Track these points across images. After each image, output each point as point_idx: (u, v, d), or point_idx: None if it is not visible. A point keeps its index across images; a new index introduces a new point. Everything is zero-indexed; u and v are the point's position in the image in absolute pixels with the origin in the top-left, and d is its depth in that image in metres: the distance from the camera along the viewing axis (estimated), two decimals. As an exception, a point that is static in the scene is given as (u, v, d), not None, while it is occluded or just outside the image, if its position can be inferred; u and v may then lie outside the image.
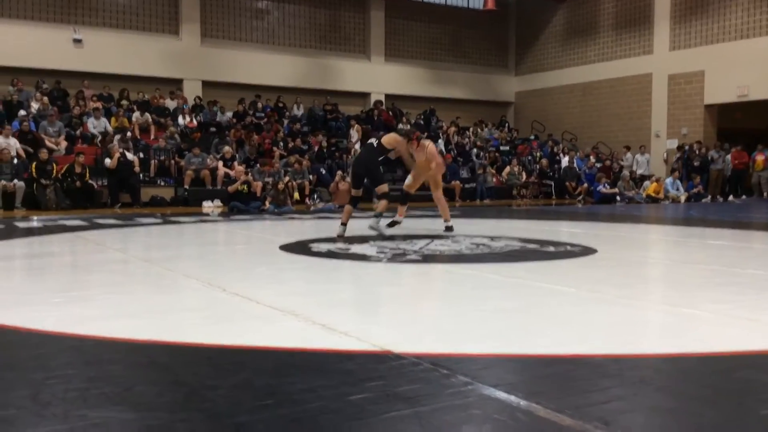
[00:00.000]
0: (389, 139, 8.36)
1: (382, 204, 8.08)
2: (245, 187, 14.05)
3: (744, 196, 19.65)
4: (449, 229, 8.60)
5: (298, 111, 21.30)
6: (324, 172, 17.17)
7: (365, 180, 8.38)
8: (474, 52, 26.14)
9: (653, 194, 18.71)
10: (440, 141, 20.64)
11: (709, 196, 19.40)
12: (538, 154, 21.97)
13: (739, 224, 10.81)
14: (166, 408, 2.24)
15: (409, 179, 9.11)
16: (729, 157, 20.22)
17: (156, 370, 2.70)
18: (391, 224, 8.74)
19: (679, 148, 20.82)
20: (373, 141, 8.46)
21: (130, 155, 15.17)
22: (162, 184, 15.90)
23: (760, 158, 19.77)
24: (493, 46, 26.71)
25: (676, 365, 2.77)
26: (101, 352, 2.99)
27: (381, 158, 8.49)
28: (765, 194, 19.62)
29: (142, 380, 2.56)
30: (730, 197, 19.48)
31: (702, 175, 19.83)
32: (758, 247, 7.61)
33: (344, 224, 8.13)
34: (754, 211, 14.52)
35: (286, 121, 20.16)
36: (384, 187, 8.16)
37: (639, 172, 20.87)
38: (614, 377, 2.56)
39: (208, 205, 14.94)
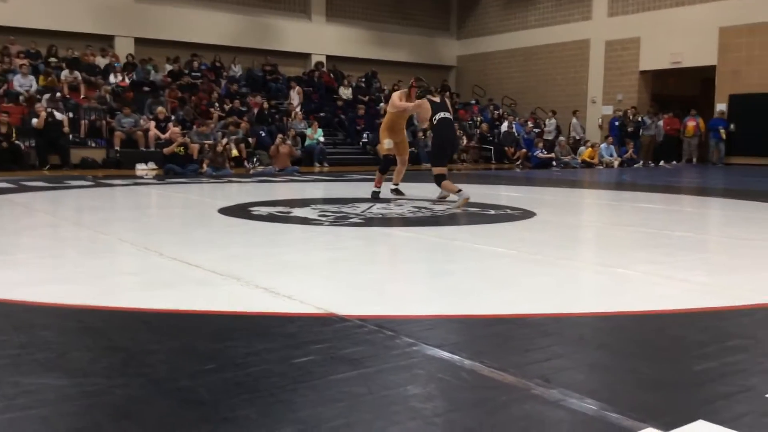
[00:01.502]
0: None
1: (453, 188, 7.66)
2: (182, 149, 13.70)
3: (674, 162, 20.29)
4: (397, 191, 8.50)
5: (236, 71, 20.79)
6: (264, 134, 16.89)
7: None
8: (417, 15, 25.96)
9: (588, 159, 19.13)
10: (381, 105, 20.53)
11: (641, 162, 19.96)
12: (479, 118, 22.13)
13: (669, 189, 11.18)
14: (103, 373, 2.17)
15: (389, 144, 8.30)
16: (661, 123, 20.80)
17: (90, 336, 2.61)
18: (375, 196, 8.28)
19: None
20: (449, 116, 7.83)
21: (59, 115, 14.56)
22: (93, 145, 15.34)
23: (690, 124, 20.42)
24: (435, 9, 26.58)
25: (613, 323, 2.85)
26: (32, 317, 2.87)
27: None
28: (694, 160, 20.32)
29: (76, 346, 2.47)
30: (661, 162, 20.09)
31: (635, 140, 20.36)
32: (687, 210, 7.89)
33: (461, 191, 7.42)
34: (683, 176, 15.03)
35: (223, 82, 19.67)
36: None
37: (572, 135, 21.25)
38: (554, 336, 2.61)
39: (141, 168, 14.52)
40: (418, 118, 8.28)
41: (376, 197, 8.11)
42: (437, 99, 7.92)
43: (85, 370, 2.20)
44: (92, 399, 1.96)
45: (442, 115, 7.70)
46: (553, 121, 21.66)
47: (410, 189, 8.99)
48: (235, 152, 14.99)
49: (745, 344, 2.49)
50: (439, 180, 7.63)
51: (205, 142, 14.59)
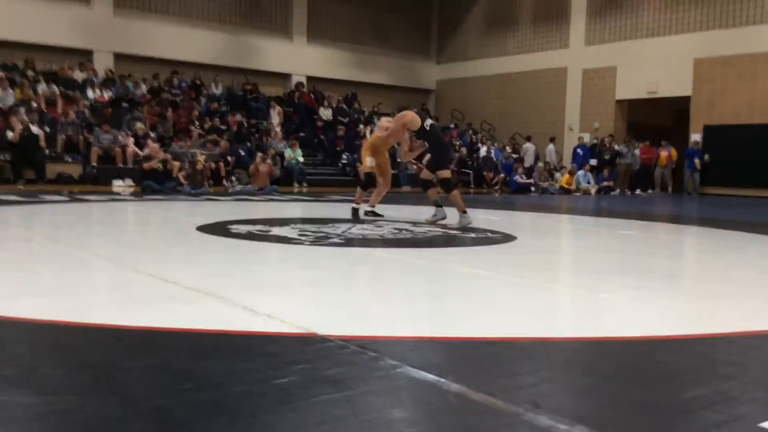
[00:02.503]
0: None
1: (433, 193, 7.79)
2: (161, 165, 13.54)
3: (650, 191, 20.52)
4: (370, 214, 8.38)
5: (217, 90, 20.71)
6: (243, 153, 16.79)
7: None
8: (397, 38, 26.13)
9: (566, 185, 19.28)
10: (361, 126, 20.58)
11: (618, 190, 20.16)
12: (458, 143, 22.24)
13: (646, 216, 11.26)
14: (74, 391, 2.07)
15: (371, 163, 8.38)
16: (638, 151, 21.05)
17: (62, 352, 2.50)
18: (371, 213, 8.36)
19: (593, 146, 21.43)
20: (432, 120, 7.95)
21: (35, 129, 14.34)
22: (69, 160, 15.13)
23: (663, 154, 20.69)
24: (415, 33, 26.79)
25: (601, 348, 2.80)
26: (2, 332, 2.76)
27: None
28: (669, 189, 20.56)
29: (46, 362, 2.37)
30: (638, 191, 20.30)
31: (612, 168, 20.57)
32: (664, 237, 7.93)
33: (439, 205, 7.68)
34: (659, 205, 15.18)
35: (203, 100, 19.57)
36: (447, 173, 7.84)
37: (547, 160, 21.39)
38: (542, 360, 2.56)
39: (118, 184, 14.33)
40: (399, 152, 8.29)
41: (355, 214, 8.06)
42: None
43: (55, 388, 2.10)
44: (63, 417, 1.87)
45: (431, 121, 7.77)
46: (529, 145, 21.79)
47: (390, 211, 8.95)
48: (205, 164, 14.76)
49: (734, 372, 2.46)
50: (446, 185, 7.55)
51: (184, 160, 14.45)
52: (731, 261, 5.75)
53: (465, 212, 7.35)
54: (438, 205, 7.73)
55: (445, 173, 7.63)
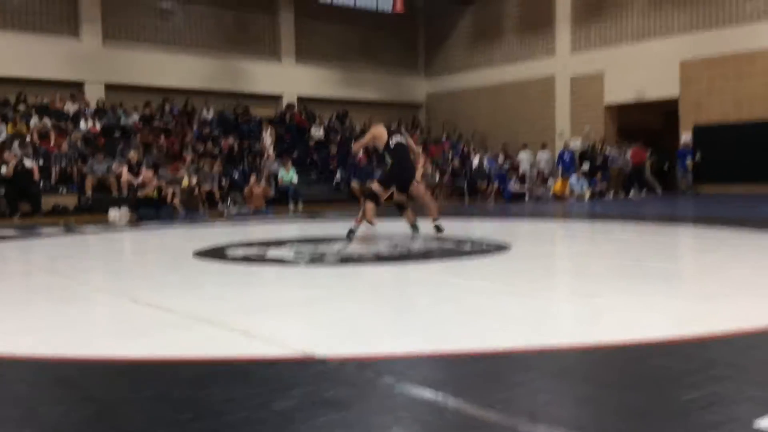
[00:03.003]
0: (412, 140, 8.04)
1: (410, 215, 7.86)
2: (156, 192, 13.57)
3: (642, 193, 20.58)
4: (438, 228, 7.88)
5: (208, 114, 20.79)
6: (237, 176, 16.84)
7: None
8: (385, 54, 26.29)
9: (559, 192, 19.34)
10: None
11: (611, 193, 20.23)
12: (450, 154, 22.32)
13: (640, 218, 11.31)
14: (76, 428, 2.09)
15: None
16: (629, 155, 21.13)
17: (63, 388, 2.52)
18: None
19: (583, 153, 21.51)
20: (402, 140, 7.84)
21: (28, 162, 14.37)
22: (64, 191, 15.15)
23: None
24: (403, 49, 26.96)
25: (596, 355, 2.83)
26: (2, 370, 2.78)
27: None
28: (658, 191, 20.64)
29: (48, 399, 2.39)
30: (631, 194, 20.37)
31: (604, 172, 20.65)
32: (660, 240, 7.96)
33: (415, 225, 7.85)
34: (653, 206, 15.24)
35: (195, 125, 19.65)
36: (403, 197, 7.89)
37: (541, 168, 21.45)
38: (538, 370, 2.58)
39: (114, 215, 14.32)
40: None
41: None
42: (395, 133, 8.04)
43: (57, 425, 2.12)
44: (65, 455, 1.88)
45: (398, 140, 7.81)
46: (525, 154, 21.87)
47: (381, 227, 8.97)
48: (194, 187, 14.82)
49: (729, 373, 2.49)
50: (369, 196, 7.60)
51: (175, 186, 14.49)
52: (725, 259, 5.79)
53: (358, 225, 7.44)
54: (414, 228, 7.82)
55: (376, 187, 7.67)
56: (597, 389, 2.37)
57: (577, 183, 19.79)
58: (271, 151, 18.79)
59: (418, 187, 8.14)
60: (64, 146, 15.84)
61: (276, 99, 23.58)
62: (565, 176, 20.09)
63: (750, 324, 3.23)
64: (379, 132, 7.83)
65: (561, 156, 21.39)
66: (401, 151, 7.74)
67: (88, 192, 14.92)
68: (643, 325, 3.29)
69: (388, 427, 2.03)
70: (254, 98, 22.64)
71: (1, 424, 2.13)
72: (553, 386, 2.41)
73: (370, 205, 7.50)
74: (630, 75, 21.05)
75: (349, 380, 2.47)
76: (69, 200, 14.94)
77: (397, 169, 7.81)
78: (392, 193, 7.98)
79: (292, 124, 21.75)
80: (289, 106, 22.68)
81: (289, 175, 17.36)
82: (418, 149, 8.27)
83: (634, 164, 21.03)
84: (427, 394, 2.29)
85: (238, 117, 20.99)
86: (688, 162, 19.87)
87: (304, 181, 18.72)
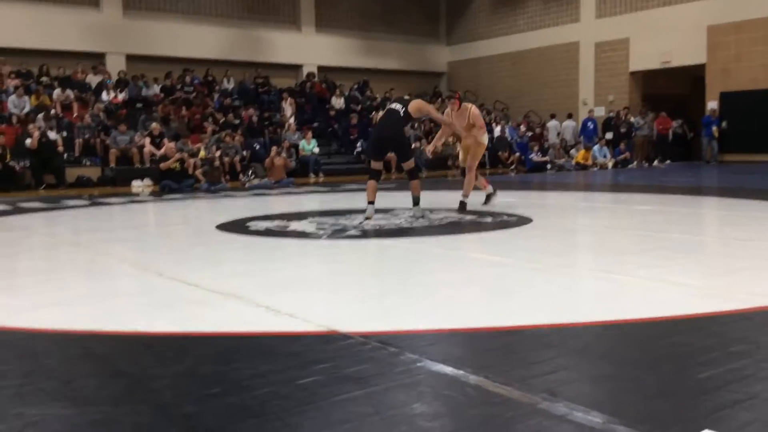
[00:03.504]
0: (419, 105, 7.29)
1: (415, 185, 7.25)
2: (178, 164, 13.69)
3: (668, 161, 20.35)
4: (464, 205, 7.70)
5: (229, 84, 20.81)
6: (258, 147, 16.90)
7: (389, 152, 7.61)
8: (406, 23, 26.02)
9: (582, 161, 19.17)
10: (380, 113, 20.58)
11: (635, 162, 20.02)
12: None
13: (664, 189, 11.20)
14: (109, 401, 2.17)
15: (460, 154, 8.31)
16: (654, 123, 20.85)
17: (94, 362, 2.61)
18: (488, 199, 8.24)
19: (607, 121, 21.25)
20: (398, 107, 7.24)
21: (52, 134, 14.54)
22: (88, 163, 15.33)
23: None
24: (424, 16, 26.66)
25: (615, 332, 2.85)
26: (34, 344, 2.87)
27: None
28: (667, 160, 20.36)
29: (80, 373, 2.47)
30: (655, 162, 20.14)
31: (628, 140, 20.41)
32: (683, 210, 7.90)
33: (372, 203, 7.10)
34: (677, 175, 15.06)
35: (216, 96, 19.69)
36: (411, 163, 7.35)
37: (567, 138, 21.24)
38: (557, 347, 2.61)
39: (137, 185, 14.50)
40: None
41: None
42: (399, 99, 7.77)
43: (90, 398, 2.19)
44: (100, 428, 1.96)
45: (389, 105, 7.52)
46: (554, 123, 21.59)
47: (401, 198, 8.98)
48: (217, 158, 14.93)
49: (747, 349, 2.50)
50: (371, 174, 7.33)
51: (196, 158, 14.61)
52: (748, 232, 5.74)
53: (371, 203, 7.07)
54: (415, 201, 7.40)
55: (374, 165, 7.43)
56: (615, 366, 2.40)
57: (600, 152, 19.59)
58: (291, 121, 18.78)
59: (470, 162, 7.93)
60: (87, 118, 15.98)
61: (296, 69, 23.50)
62: (588, 145, 19.89)
63: (772, 300, 3.22)
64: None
65: (584, 124, 21.16)
66: (385, 116, 7.42)
67: (112, 164, 15.08)
68: (663, 301, 3.30)
69: (410, 403, 2.08)
70: (274, 68, 22.58)
71: (35, 396, 2.21)
72: (573, 363, 2.44)
73: (370, 183, 7.19)
74: (656, 41, 20.65)
75: (372, 356, 2.52)
76: (92, 172, 15.12)
77: (373, 135, 7.84)
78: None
79: (312, 94, 21.69)
80: (310, 76, 22.60)
81: (309, 146, 17.38)
82: (440, 116, 7.82)
83: (659, 132, 20.76)
84: (448, 370, 2.34)
85: (258, 87, 20.98)
86: (714, 130, 19.56)
87: (325, 152, 18.74)
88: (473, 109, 8.02)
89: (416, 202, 7.25)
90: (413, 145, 17.56)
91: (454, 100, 7.94)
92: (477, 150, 8.02)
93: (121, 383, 2.34)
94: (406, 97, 8.30)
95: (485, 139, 8.16)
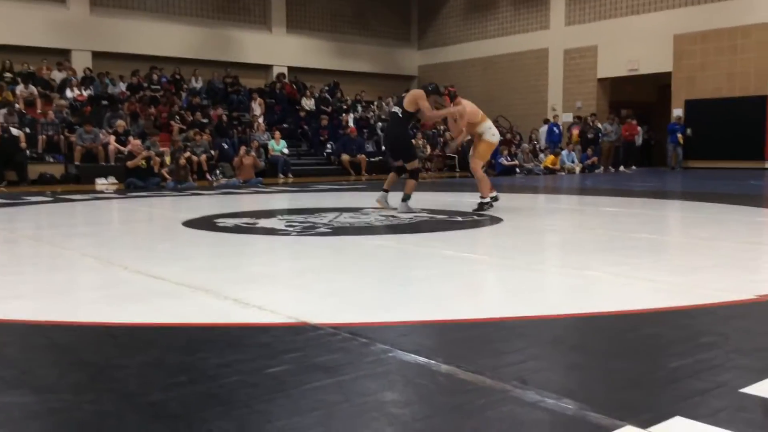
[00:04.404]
0: (410, 98, 7.29)
1: (409, 184, 7.40)
2: (144, 162, 13.48)
3: (634, 167, 20.65)
4: (483, 206, 7.50)
5: (197, 84, 20.59)
6: (226, 146, 16.73)
7: (398, 155, 7.69)
8: (377, 26, 26.06)
9: (550, 166, 19.36)
10: (351, 115, 20.59)
11: (602, 167, 20.28)
12: (442, 127, 22.23)
13: (631, 192, 11.36)
14: (70, 389, 2.10)
15: (471, 151, 8.03)
16: (620, 129, 21.16)
17: (57, 351, 2.53)
18: (494, 200, 7.79)
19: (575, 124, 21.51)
20: (397, 109, 7.50)
21: (15, 130, 14.23)
22: (51, 160, 15.03)
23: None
24: (396, 20, 26.72)
25: (587, 324, 2.86)
26: (-7, 335, 2.78)
27: (411, 125, 7.44)
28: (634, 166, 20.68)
29: (41, 362, 2.39)
30: (621, 168, 20.43)
31: (595, 146, 20.67)
32: (649, 212, 8.01)
33: (386, 191, 7.62)
34: (643, 180, 15.29)
35: (184, 94, 19.47)
36: (415, 164, 7.46)
37: (542, 144, 21.41)
38: (529, 338, 2.61)
39: (101, 183, 14.25)
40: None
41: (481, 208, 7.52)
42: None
43: (51, 387, 2.12)
44: (60, 416, 1.90)
45: (391, 110, 7.75)
46: (545, 127, 21.61)
47: (372, 199, 8.97)
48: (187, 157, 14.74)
49: (715, 341, 2.52)
50: (414, 174, 7.56)
51: (163, 156, 14.41)
52: (713, 233, 5.84)
53: (386, 191, 7.59)
54: (384, 191, 7.74)
55: (415, 164, 7.70)
56: (586, 357, 2.40)
57: (567, 157, 19.82)
58: (261, 121, 18.64)
59: (472, 164, 7.84)
60: (51, 114, 15.67)
61: (266, 69, 23.37)
62: (557, 151, 20.10)
63: (736, 295, 3.27)
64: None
65: (550, 130, 21.38)
66: (389, 121, 7.68)
67: (77, 161, 14.80)
68: (632, 296, 3.33)
69: (381, 391, 2.05)
70: (244, 68, 22.43)
71: (-6, 386, 2.13)
72: (545, 354, 2.44)
73: (411, 182, 7.49)
74: (623, 48, 20.98)
75: (342, 346, 2.49)
76: (56, 169, 14.82)
77: (382, 140, 7.89)
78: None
79: (283, 94, 21.58)
80: (280, 77, 22.48)
81: (279, 146, 17.27)
82: (434, 112, 7.61)
83: (625, 139, 21.07)
84: (419, 359, 2.32)
85: (228, 87, 20.80)
86: (679, 137, 19.91)
87: (294, 153, 18.64)
88: (468, 105, 7.68)
89: (405, 198, 7.42)
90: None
91: (445, 97, 7.65)
92: (479, 148, 7.72)
93: (84, 372, 2.27)
94: (404, 94, 8.16)
95: (489, 137, 7.70)
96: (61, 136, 15.43)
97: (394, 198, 7.74)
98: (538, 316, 2.94)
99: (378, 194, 7.58)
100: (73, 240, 5.83)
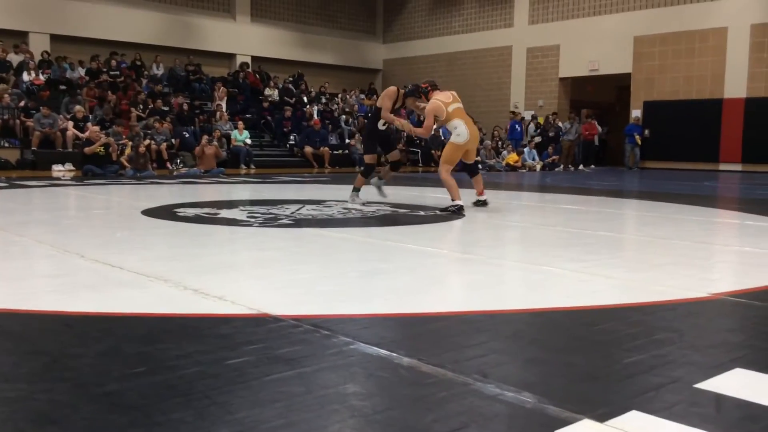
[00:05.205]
0: (382, 95, 7.36)
1: (359, 180, 7.71)
2: (103, 149, 13.22)
3: (593, 166, 20.99)
4: (449, 209, 6.98)
5: (158, 70, 20.24)
6: (187, 135, 16.50)
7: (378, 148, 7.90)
8: (343, 18, 25.96)
9: (512, 163, 19.56)
10: (315, 107, 20.46)
11: (562, 166, 20.57)
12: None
13: (589, 191, 11.54)
14: (24, 379, 2.05)
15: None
16: (581, 128, 21.49)
17: (9, 340, 2.46)
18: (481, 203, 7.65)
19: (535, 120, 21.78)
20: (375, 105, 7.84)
21: (-33, 113, 13.82)
22: (6, 145, 14.63)
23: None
24: (361, 12, 26.65)
25: (546, 319, 2.90)
26: (-57, 323, 2.69)
27: (384, 124, 7.31)
28: (592, 165, 21.05)
29: (-7, 352, 2.33)
30: (581, 166, 20.75)
31: (556, 144, 20.96)
32: (607, 210, 8.15)
33: (381, 178, 7.96)
34: (602, 180, 15.55)
35: (144, 81, 19.12)
36: (367, 158, 7.66)
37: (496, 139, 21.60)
38: (489, 332, 2.64)
39: (58, 169, 13.93)
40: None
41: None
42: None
43: (5, 376, 2.07)
44: (14, 405, 1.85)
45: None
46: (531, 125, 21.79)
47: (334, 191, 8.95)
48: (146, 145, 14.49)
49: (671, 337, 2.58)
50: (365, 170, 7.78)
51: (124, 142, 14.14)
52: (669, 232, 5.96)
53: (359, 190, 7.74)
54: (356, 191, 7.77)
55: (369, 158, 7.89)
56: (545, 351, 2.43)
57: (528, 154, 20.05)
58: (224, 110, 18.44)
59: (440, 166, 7.54)
60: (6, 98, 15.24)
61: (229, 58, 23.10)
62: (520, 149, 20.30)
63: (690, 293, 3.35)
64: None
65: (512, 127, 21.59)
66: (372, 117, 7.90)
67: (34, 146, 14.44)
68: (590, 292, 3.38)
69: (342, 383, 2.05)
70: (207, 56, 22.13)
71: (-57, 376, 2.07)
72: (504, 348, 2.47)
73: (360, 178, 7.80)
74: (585, 49, 21.28)
75: (304, 338, 2.48)
76: (11, 154, 14.44)
77: (367, 137, 8.18)
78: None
79: (246, 84, 21.35)
80: (243, 66, 22.24)
81: (242, 136, 17.10)
82: (390, 115, 7.54)
83: (585, 138, 21.40)
84: (381, 352, 2.32)
85: (190, 74, 20.49)
86: (637, 137, 20.30)
87: (257, 143, 18.48)
88: (433, 102, 7.18)
89: (355, 189, 7.71)
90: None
91: (422, 96, 7.38)
92: (444, 150, 7.47)
93: (38, 361, 2.22)
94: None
95: (454, 137, 7.31)
96: (17, 121, 15.02)
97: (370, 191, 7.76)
98: (498, 311, 2.97)
99: (373, 180, 7.95)
100: (29, 227, 5.69)
